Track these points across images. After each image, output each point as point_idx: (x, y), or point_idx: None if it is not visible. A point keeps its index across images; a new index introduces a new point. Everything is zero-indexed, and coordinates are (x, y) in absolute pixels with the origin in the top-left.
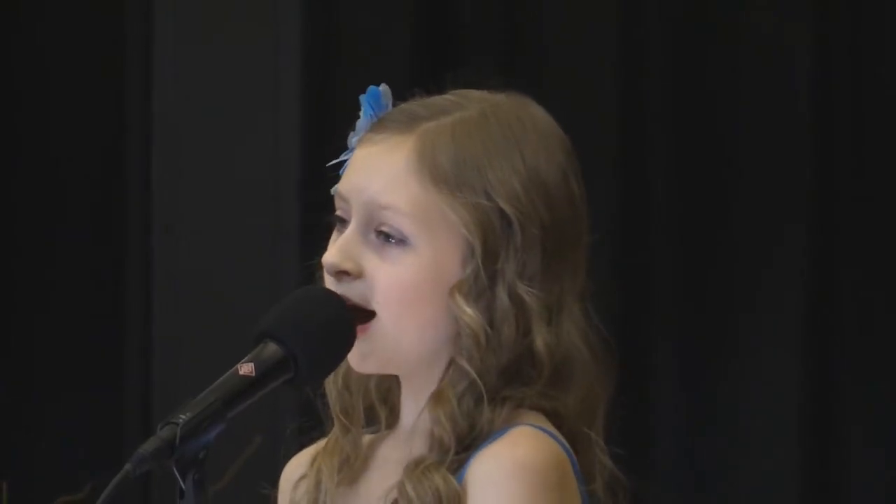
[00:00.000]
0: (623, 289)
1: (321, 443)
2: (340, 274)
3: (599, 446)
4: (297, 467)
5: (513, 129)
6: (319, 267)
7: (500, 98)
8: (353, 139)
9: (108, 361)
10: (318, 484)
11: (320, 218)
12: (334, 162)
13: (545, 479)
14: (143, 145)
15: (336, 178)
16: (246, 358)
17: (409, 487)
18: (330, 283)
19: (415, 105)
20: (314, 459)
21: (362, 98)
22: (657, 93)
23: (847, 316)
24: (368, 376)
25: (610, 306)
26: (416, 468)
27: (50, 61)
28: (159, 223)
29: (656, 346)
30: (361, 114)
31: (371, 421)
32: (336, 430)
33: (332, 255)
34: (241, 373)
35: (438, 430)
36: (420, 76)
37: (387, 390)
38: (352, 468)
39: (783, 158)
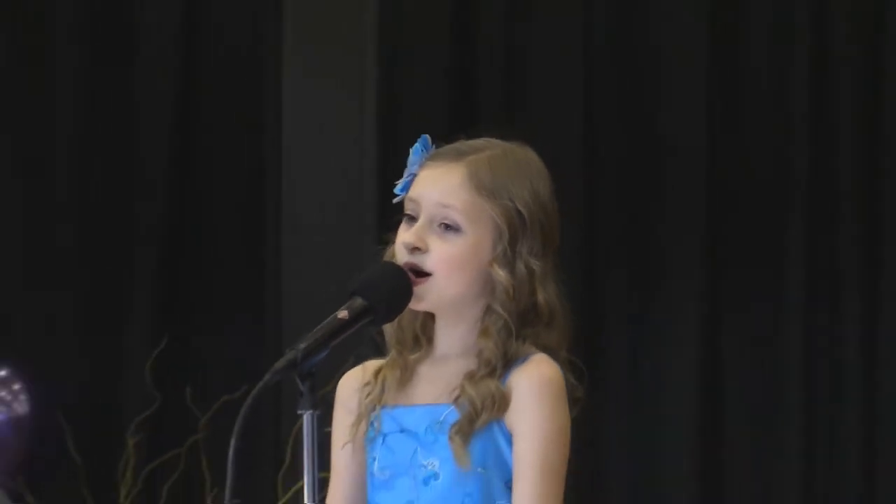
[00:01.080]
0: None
1: (371, 363)
2: (414, 249)
3: (566, 367)
4: (354, 380)
5: (521, 163)
6: (384, 251)
7: (512, 144)
8: (412, 167)
9: (256, 310)
10: (382, 388)
11: (389, 218)
12: (397, 183)
13: (559, 389)
14: (277, 172)
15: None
16: (342, 307)
17: (469, 389)
18: (403, 255)
19: (459, 145)
20: (378, 372)
21: (417, 142)
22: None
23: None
24: (414, 316)
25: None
26: (472, 377)
27: (217, 133)
28: (288, 225)
29: (603, 299)
30: (412, 151)
31: (413, 348)
32: (392, 354)
33: (410, 236)
34: (339, 317)
35: (487, 353)
36: (455, 128)
37: (423, 326)
38: (404, 378)
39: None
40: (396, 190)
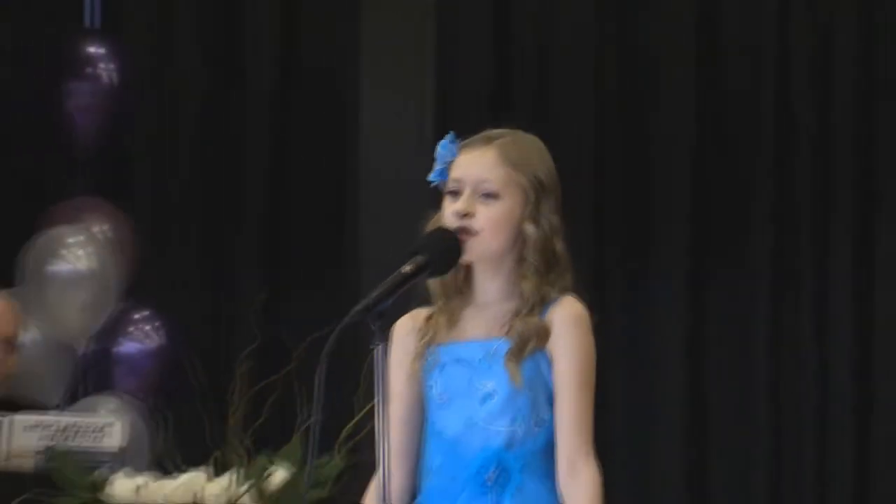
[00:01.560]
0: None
1: (422, 311)
2: (464, 216)
3: None
4: (406, 324)
5: (535, 145)
6: (426, 223)
7: (525, 133)
8: (444, 158)
9: (338, 267)
10: (435, 330)
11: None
12: (433, 172)
13: (587, 322)
14: (356, 163)
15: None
16: (405, 263)
17: (518, 325)
18: (454, 221)
19: (486, 133)
20: (428, 318)
21: (445, 138)
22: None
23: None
24: (456, 272)
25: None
26: (519, 315)
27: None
28: (364, 204)
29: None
30: (440, 146)
31: (455, 298)
32: (440, 303)
33: (461, 205)
34: (403, 271)
35: (527, 293)
36: (489, 122)
37: (465, 277)
38: (451, 321)
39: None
40: (431, 178)
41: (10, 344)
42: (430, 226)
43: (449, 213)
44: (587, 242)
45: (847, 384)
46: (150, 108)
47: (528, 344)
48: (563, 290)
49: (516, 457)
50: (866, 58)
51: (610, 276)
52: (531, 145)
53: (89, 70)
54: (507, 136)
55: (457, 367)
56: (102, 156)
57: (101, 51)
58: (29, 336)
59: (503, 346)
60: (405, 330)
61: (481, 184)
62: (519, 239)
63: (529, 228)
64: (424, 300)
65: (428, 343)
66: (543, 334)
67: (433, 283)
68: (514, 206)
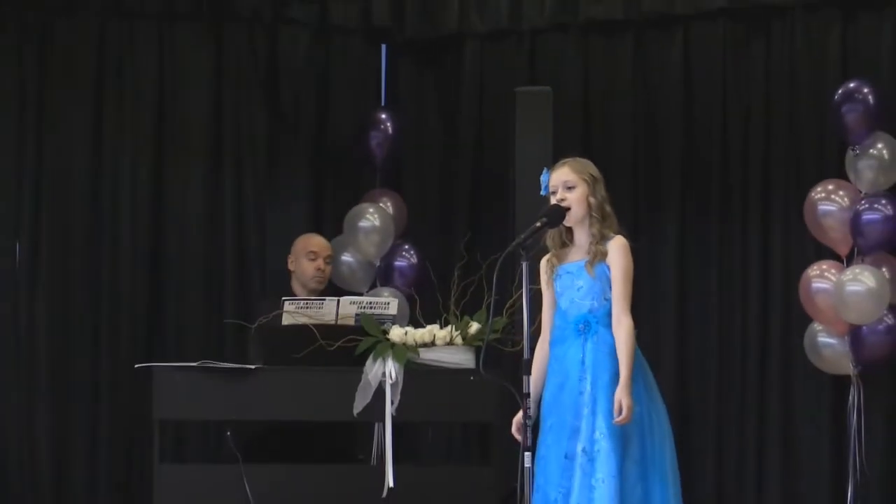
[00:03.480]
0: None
1: (548, 255)
2: (562, 199)
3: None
4: (545, 260)
5: (585, 161)
6: (543, 206)
7: (578, 157)
8: (545, 181)
9: (504, 218)
10: (555, 263)
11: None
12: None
13: (627, 248)
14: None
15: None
16: (537, 220)
17: (592, 249)
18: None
19: (561, 161)
20: (550, 259)
21: (543, 173)
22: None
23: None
24: (561, 230)
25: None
26: (592, 245)
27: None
28: (519, 199)
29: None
30: (542, 177)
31: (562, 245)
32: (554, 249)
33: (559, 195)
34: (536, 224)
35: (594, 232)
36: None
37: (567, 234)
38: (561, 256)
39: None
40: (542, 192)
41: (329, 260)
42: (546, 208)
43: (555, 202)
44: (621, 205)
45: None
46: (411, 147)
47: (597, 258)
48: (615, 232)
49: (595, 317)
50: None
51: (636, 224)
52: (581, 161)
53: (380, 126)
54: (568, 159)
55: (566, 276)
56: (387, 168)
57: (385, 115)
58: (348, 258)
59: (585, 261)
60: (544, 263)
61: (565, 183)
62: (590, 206)
63: (591, 200)
64: (546, 251)
65: (553, 266)
66: (604, 253)
67: (551, 241)
68: (583, 191)
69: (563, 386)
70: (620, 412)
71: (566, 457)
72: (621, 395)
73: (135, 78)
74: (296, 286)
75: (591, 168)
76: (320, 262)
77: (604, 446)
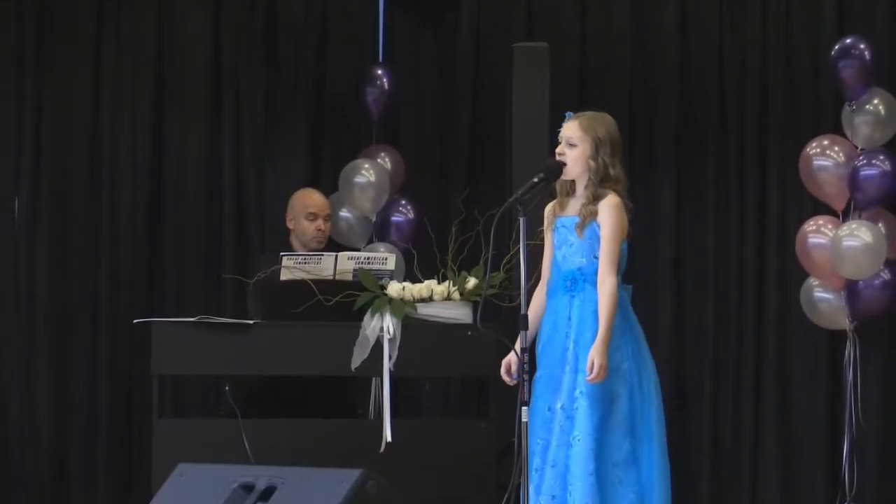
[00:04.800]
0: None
1: (553, 202)
2: (561, 154)
3: (626, 202)
4: (548, 208)
5: (601, 118)
6: (543, 161)
7: (599, 112)
8: (567, 120)
9: (501, 180)
10: (556, 211)
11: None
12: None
13: (619, 206)
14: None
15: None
16: (535, 175)
17: (584, 208)
18: (557, 157)
19: (582, 113)
20: (553, 207)
21: (567, 115)
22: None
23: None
24: (564, 182)
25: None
26: (586, 203)
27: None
28: (517, 163)
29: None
30: (566, 117)
31: (564, 196)
32: (559, 198)
33: (561, 150)
34: (534, 179)
35: (589, 192)
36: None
37: (570, 186)
38: (562, 206)
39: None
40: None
41: (328, 219)
42: (544, 162)
43: (557, 154)
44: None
45: None
46: (408, 103)
47: (587, 218)
48: (611, 191)
49: (583, 275)
50: None
51: (632, 181)
52: (596, 118)
53: (377, 82)
54: (588, 113)
55: (562, 229)
56: (383, 123)
57: (382, 71)
58: (345, 213)
59: (577, 219)
60: (548, 210)
61: (569, 139)
62: (587, 167)
63: (591, 163)
64: (552, 196)
65: (554, 216)
66: (595, 213)
67: (560, 187)
68: (584, 150)
69: (552, 337)
70: (592, 370)
71: (549, 409)
72: (594, 353)
73: (134, 33)
74: (295, 243)
75: (603, 128)
76: (320, 223)
77: (582, 404)
